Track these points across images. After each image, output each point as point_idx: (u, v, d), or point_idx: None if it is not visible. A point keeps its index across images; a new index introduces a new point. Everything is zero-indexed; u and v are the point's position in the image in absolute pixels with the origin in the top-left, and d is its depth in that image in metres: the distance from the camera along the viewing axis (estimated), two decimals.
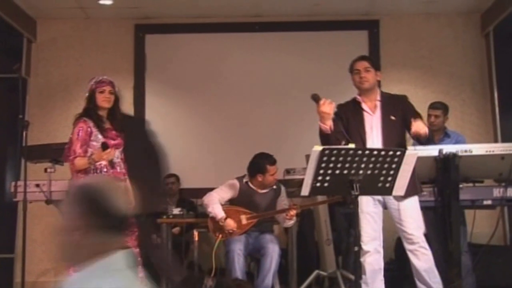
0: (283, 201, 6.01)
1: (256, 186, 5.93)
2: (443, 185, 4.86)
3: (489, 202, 5.33)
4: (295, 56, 8.20)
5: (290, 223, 5.95)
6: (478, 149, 5.21)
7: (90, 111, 4.86)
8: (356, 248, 3.93)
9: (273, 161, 5.89)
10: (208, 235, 7.17)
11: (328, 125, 4.51)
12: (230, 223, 5.76)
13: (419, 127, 4.43)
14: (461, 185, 5.19)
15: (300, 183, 6.63)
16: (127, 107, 7.80)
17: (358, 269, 4.05)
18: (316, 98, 4.51)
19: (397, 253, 7.23)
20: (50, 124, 7.97)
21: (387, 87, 8.14)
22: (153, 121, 7.35)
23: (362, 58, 4.92)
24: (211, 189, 6.24)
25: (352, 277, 6.34)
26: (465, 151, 5.15)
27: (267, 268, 5.67)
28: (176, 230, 6.95)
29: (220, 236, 5.82)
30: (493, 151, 5.20)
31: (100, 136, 4.80)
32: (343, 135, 4.58)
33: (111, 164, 4.80)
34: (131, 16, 8.18)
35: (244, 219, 5.80)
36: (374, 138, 4.67)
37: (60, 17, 8.18)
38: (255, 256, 5.93)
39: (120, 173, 4.91)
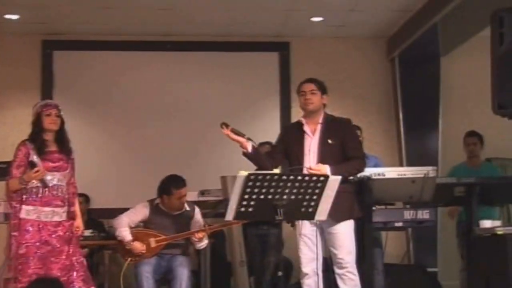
0: (197, 223, 5.97)
1: (166, 208, 5.89)
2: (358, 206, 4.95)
3: (400, 224, 5.49)
4: (206, 76, 8.20)
5: (202, 244, 5.94)
6: (390, 172, 5.40)
7: (35, 135, 4.84)
8: (280, 273, 3.95)
9: (180, 185, 5.85)
10: (118, 256, 7.07)
11: (246, 148, 4.62)
12: (138, 246, 5.72)
13: (319, 170, 4.46)
14: (374, 208, 5.37)
15: (214, 204, 6.69)
16: None
17: None
18: (222, 127, 4.65)
19: None
20: None
21: (297, 107, 8.29)
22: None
23: (309, 80, 4.93)
24: (121, 209, 6.16)
25: None
26: (378, 174, 5.33)
27: None
28: (85, 252, 6.79)
29: (129, 259, 5.75)
30: (404, 174, 5.40)
31: (36, 159, 4.73)
32: (277, 159, 4.73)
33: (44, 184, 4.70)
34: (38, 32, 7.97)
35: (153, 242, 5.76)
36: (311, 161, 4.70)
37: None
38: (167, 279, 5.86)
39: (58, 197, 4.83)
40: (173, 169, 6.70)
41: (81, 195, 7.38)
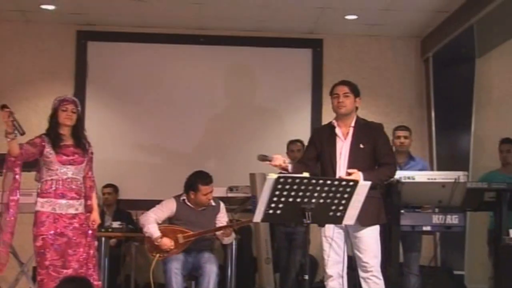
0: (222, 218, 5.99)
1: (192, 204, 5.90)
2: (385, 210, 4.93)
3: (428, 228, 5.46)
4: (239, 71, 8.23)
5: (228, 240, 5.95)
6: (421, 176, 5.37)
7: (50, 129, 4.91)
8: (306, 277, 3.94)
9: (207, 181, 5.84)
10: (144, 248, 7.12)
11: (289, 170, 4.66)
12: (166, 242, 5.73)
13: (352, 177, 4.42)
14: (402, 211, 5.34)
15: (242, 200, 6.71)
16: None
17: None
18: (263, 159, 4.67)
19: None
20: None
21: (328, 105, 8.27)
22: (92, 129, 7.16)
23: (343, 83, 4.87)
24: (149, 201, 6.22)
25: None
26: (408, 177, 5.30)
27: None
28: (113, 242, 6.86)
29: (158, 255, 5.78)
30: (434, 178, 5.36)
31: (50, 152, 4.81)
32: (310, 166, 4.75)
33: (20, 130, 4.64)
34: (73, 22, 8.03)
35: (181, 238, 5.77)
36: (341, 165, 4.68)
37: None
38: (194, 275, 5.88)
39: (73, 190, 4.87)
40: (202, 164, 6.76)
41: (110, 185, 7.53)
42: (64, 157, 4.84)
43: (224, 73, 8.21)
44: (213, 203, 5.97)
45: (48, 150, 4.81)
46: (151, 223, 5.77)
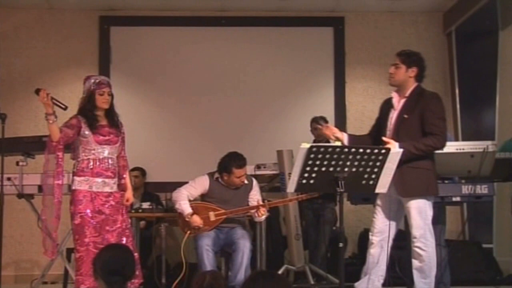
0: (255, 195, 5.98)
1: (226, 183, 5.93)
2: None
3: (458, 198, 5.47)
4: (261, 51, 8.24)
5: (261, 219, 5.97)
6: (449, 147, 5.34)
7: (87, 111, 4.94)
8: (340, 244, 3.98)
9: (241, 164, 5.84)
10: (174, 229, 7.18)
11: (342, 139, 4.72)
12: (196, 220, 5.75)
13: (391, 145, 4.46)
14: None
15: (270, 178, 6.74)
16: None
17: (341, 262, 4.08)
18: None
19: (360, 248, 7.37)
20: (12, 116, 7.67)
21: (351, 83, 8.31)
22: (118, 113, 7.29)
23: (397, 53, 4.88)
24: (177, 183, 6.21)
25: (321, 271, 6.45)
26: None
27: (239, 264, 5.67)
28: (142, 224, 6.92)
29: (189, 232, 5.82)
30: (463, 149, 5.36)
31: (87, 132, 4.87)
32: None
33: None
34: (96, 8, 8.09)
35: (212, 216, 5.79)
36: (389, 134, 4.73)
37: (23, 6, 8.04)
38: (226, 251, 5.93)
39: (109, 169, 4.94)
40: (228, 144, 6.78)
41: (138, 169, 7.56)
42: (101, 137, 4.92)
43: (246, 54, 8.22)
44: (246, 181, 5.97)
45: (85, 130, 4.88)
46: (183, 199, 5.80)
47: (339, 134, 4.77)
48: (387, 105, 4.92)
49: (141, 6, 8.07)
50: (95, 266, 3.38)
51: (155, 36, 8.22)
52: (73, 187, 4.88)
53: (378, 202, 4.78)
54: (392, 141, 4.51)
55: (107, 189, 4.92)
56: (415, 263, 4.66)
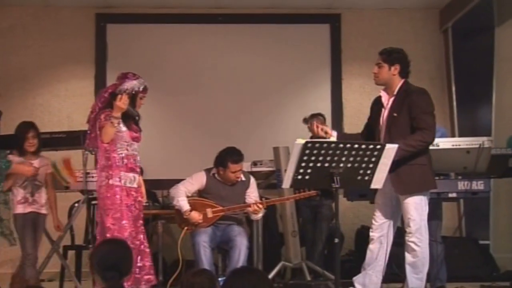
0: (252, 193, 5.98)
1: (222, 179, 5.93)
2: None
3: (454, 194, 5.46)
4: (258, 48, 8.25)
5: (258, 216, 5.97)
6: (445, 143, 5.36)
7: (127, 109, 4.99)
8: (336, 240, 3.98)
9: (237, 160, 5.84)
10: (171, 226, 7.18)
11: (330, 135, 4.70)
12: (195, 216, 5.76)
13: None
14: None
15: (266, 175, 6.73)
16: (88, 97, 7.73)
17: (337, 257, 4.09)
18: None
19: (357, 245, 7.38)
20: (8, 114, 7.74)
21: (348, 80, 8.31)
22: None
23: (379, 52, 4.83)
24: (173, 181, 6.21)
25: (318, 268, 6.45)
26: (432, 144, 5.29)
27: (236, 261, 5.67)
28: None
29: (186, 228, 5.82)
30: (459, 145, 5.36)
31: (124, 128, 4.94)
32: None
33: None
34: (92, 5, 8.10)
35: (210, 213, 5.79)
36: (382, 133, 4.74)
37: (19, 4, 8.05)
38: (223, 248, 5.93)
39: (137, 165, 5.05)
40: (224, 141, 6.75)
41: None
42: (134, 134, 5.01)
43: (243, 51, 8.23)
44: (243, 178, 5.97)
45: (121, 125, 4.93)
46: (181, 195, 5.81)
47: (327, 129, 4.77)
48: (377, 105, 4.91)
49: (138, 4, 8.08)
50: (91, 261, 3.37)
51: (152, 33, 8.22)
52: (110, 182, 4.89)
53: (378, 199, 4.79)
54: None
55: (135, 185, 4.99)
56: (408, 257, 4.66)
